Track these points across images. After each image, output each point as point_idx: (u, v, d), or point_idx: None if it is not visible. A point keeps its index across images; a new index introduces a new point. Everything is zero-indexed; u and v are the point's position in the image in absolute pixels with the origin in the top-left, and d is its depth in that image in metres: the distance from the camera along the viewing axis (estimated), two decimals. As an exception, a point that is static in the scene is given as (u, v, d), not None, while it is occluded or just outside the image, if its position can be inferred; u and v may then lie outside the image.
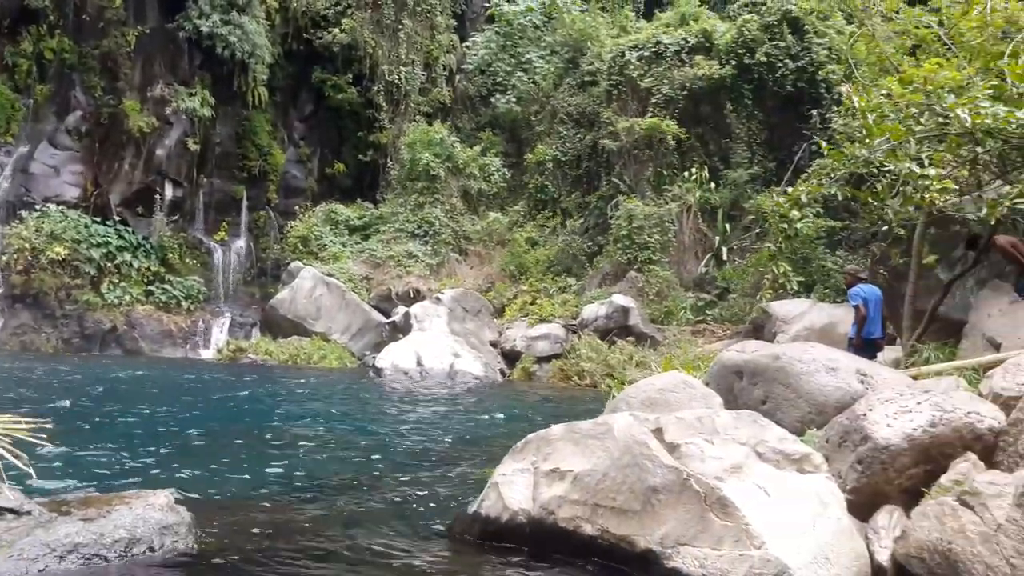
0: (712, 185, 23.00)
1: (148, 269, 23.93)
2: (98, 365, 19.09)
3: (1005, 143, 8.90)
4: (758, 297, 18.75)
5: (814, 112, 21.76)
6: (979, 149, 9.10)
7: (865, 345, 10.32)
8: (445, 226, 25.95)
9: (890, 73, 12.40)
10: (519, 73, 29.15)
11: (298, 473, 8.52)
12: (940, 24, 11.81)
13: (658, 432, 5.57)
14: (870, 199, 10.77)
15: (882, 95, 9.80)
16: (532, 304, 22.85)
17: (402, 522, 6.64)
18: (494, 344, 21.79)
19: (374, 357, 20.75)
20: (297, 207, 27.63)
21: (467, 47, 31.42)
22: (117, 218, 24.09)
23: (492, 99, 29.89)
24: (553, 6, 29.51)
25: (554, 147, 26.67)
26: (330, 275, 23.57)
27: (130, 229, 24.18)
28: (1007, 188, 9.32)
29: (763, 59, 22.98)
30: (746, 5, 24.49)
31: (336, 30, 27.75)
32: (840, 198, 12.27)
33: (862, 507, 5.35)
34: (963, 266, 10.89)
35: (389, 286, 24.03)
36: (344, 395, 16.14)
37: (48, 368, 17.45)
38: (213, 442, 9.86)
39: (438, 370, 19.40)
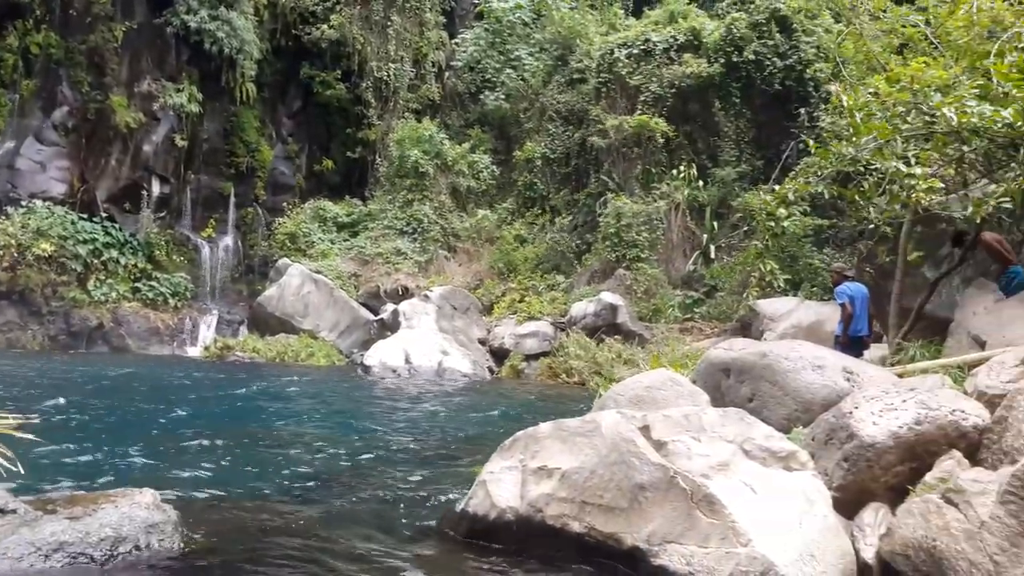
0: (700, 183, 23.05)
1: (135, 266, 23.79)
2: (85, 363, 18.99)
3: (991, 142, 8.95)
4: (745, 295, 18.82)
5: (802, 110, 21.82)
6: (965, 148, 9.14)
7: (851, 343, 10.39)
8: (434, 223, 25.91)
9: (877, 72, 12.45)
10: (508, 70, 29.11)
11: (285, 471, 8.50)
12: (927, 23, 11.86)
13: (645, 430, 5.59)
14: (857, 197, 10.81)
15: (869, 94, 9.82)
16: (520, 302, 22.85)
17: (389, 521, 6.64)
18: (482, 342, 21.78)
19: (362, 355, 20.71)
20: (285, 204, 27.52)
21: (456, 44, 31.33)
22: (104, 214, 23.93)
23: (481, 96, 29.86)
24: (542, 3, 29.46)
25: (543, 144, 26.66)
26: (318, 272, 23.50)
27: (117, 226, 24.03)
28: (993, 187, 9.37)
29: (751, 57, 23.03)
30: (735, 3, 24.51)
31: (325, 26, 27.63)
32: (827, 196, 12.29)
33: (848, 504, 5.39)
34: (949, 264, 10.95)
35: (377, 283, 23.98)
36: (332, 393, 16.10)
37: (34, 366, 17.34)
38: (200, 441, 9.81)
39: (426, 368, 19.38)
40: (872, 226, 11.26)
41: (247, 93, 26.36)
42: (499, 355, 21.19)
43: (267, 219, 27.48)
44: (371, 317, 22.95)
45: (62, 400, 12.31)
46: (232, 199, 27.22)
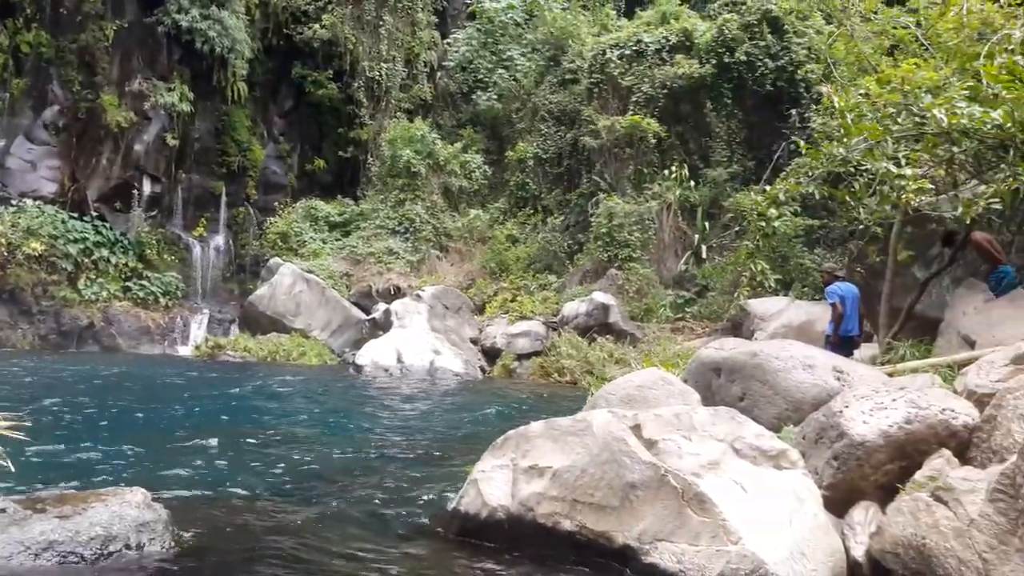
0: (692, 183, 23.09)
1: (126, 265, 23.71)
2: (75, 362, 18.90)
3: (981, 143, 9.00)
4: (736, 295, 18.85)
5: (793, 111, 21.86)
6: (955, 149, 9.19)
7: (842, 342, 10.42)
8: (426, 223, 25.89)
9: (868, 73, 12.51)
10: (500, 70, 29.14)
11: (276, 470, 8.49)
12: (918, 25, 11.93)
13: (636, 429, 5.60)
14: (847, 198, 10.86)
15: (860, 95, 9.88)
16: (512, 301, 22.86)
17: (381, 519, 6.64)
18: (474, 341, 21.78)
19: (354, 354, 20.68)
20: (277, 203, 27.49)
21: (448, 44, 31.32)
22: (95, 213, 23.83)
23: (473, 96, 29.86)
24: (534, 4, 29.51)
25: (535, 145, 26.67)
26: (310, 271, 23.46)
27: (108, 225, 23.95)
28: (982, 188, 9.41)
29: (743, 58, 23.08)
30: (726, 4, 24.57)
31: (316, 25, 27.57)
32: (818, 197, 12.32)
33: (838, 503, 5.41)
34: (939, 264, 11.00)
35: (369, 283, 23.96)
36: (324, 392, 16.07)
37: (25, 365, 17.26)
38: (192, 440, 9.79)
39: (418, 367, 19.36)
40: (862, 226, 11.33)
41: (238, 92, 26.30)
42: (491, 354, 21.19)
43: (259, 218, 27.42)
44: (363, 316, 22.92)
45: (53, 399, 12.26)
46: (223, 198, 27.13)
